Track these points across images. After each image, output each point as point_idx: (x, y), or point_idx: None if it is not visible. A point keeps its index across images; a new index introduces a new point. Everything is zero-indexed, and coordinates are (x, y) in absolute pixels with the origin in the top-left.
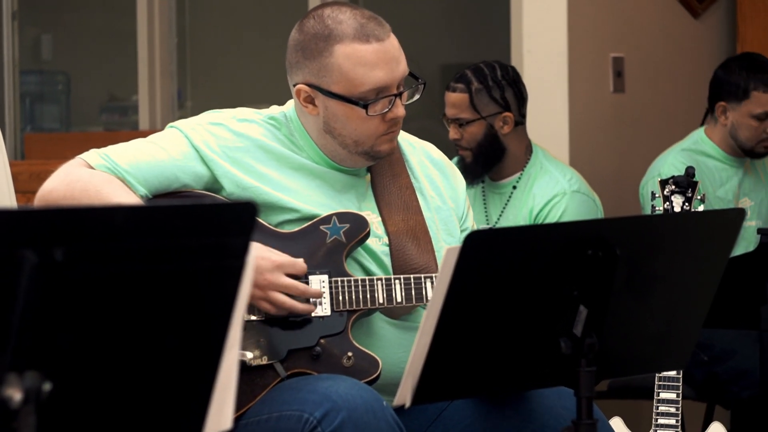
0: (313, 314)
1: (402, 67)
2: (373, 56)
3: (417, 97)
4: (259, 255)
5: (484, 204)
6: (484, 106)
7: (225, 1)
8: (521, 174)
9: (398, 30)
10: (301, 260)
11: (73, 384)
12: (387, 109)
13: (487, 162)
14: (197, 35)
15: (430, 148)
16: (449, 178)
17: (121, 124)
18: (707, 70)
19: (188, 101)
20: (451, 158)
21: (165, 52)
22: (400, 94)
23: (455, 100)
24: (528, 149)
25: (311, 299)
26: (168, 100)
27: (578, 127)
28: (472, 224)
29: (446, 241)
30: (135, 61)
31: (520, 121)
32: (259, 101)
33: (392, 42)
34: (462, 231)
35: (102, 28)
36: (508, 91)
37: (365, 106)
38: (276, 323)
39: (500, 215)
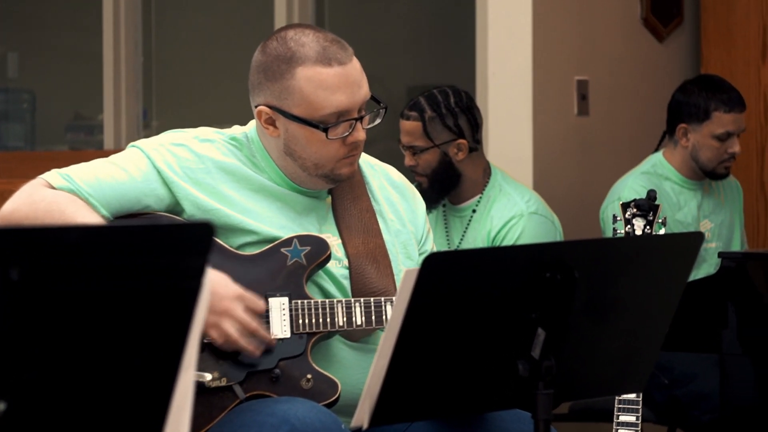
0: (273, 336)
1: (364, 91)
2: (335, 80)
3: (378, 121)
4: (223, 282)
5: (446, 228)
6: (438, 134)
7: (191, 21)
8: (480, 197)
9: (365, 52)
10: (262, 302)
11: (27, 404)
12: (347, 133)
13: (443, 188)
14: (163, 55)
15: (391, 170)
16: (409, 201)
17: (87, 143)
18: (672, 94)
19: (154, 121)
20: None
21: (131, 71)
22: (361, 118)
23: (409, 128)
24: (486, 172)
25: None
26: (133, 120)
27: (542, 150)
28: (431, 247)
29: (405, 264)
30: (101, 80)
31: (475, 147)
32: (224, 121)
33: (354, 65)
34: (421, 254)
35: (68, 47)
36: (462, 118)
37: (326, 130)
38: None
39: (461, 239)
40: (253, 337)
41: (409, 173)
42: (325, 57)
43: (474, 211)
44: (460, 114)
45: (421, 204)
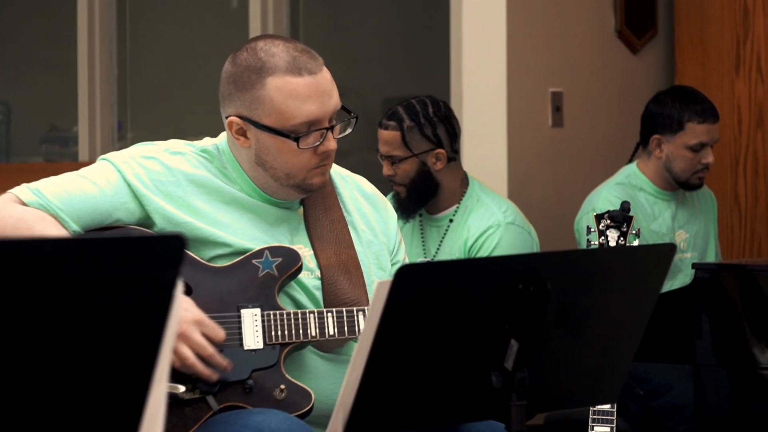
0: (245, 347)
1: (334, 101)
2: (305, 89)
3: (349, 130)
4: (184, 305)
5: (422, 237)
6: (416, 143)
7: (166, 33)
8: (458, 207)
9: (340, 64)
10: (221, 330)
11: None
12: (318, 143)
13: (421, 198)
14: (138, 67)
15: (362, 181)
16: (381, 212)
17: (62, 154)
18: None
19: (129, 132)
20: (386, 193)
21: (105, 83)
22: (332, 128)
23: (387, 137)
24: (464, 182)
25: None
26: (108, 132)
27: (517, 162)
28: (403, 258)
29: (377, 275)
30: (75, 91)
31: (453, 156)
32: (200, 133)
33: (325, 75)
34: (393, 264)
35: (43, 59)
36: (440, 127)
37: (296, 140)
38: None
39: (438, 248)
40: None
41: (387, 183)
42: (296, 67)
43: (451, 221)
44: (439, 123)
45: (392, 214)
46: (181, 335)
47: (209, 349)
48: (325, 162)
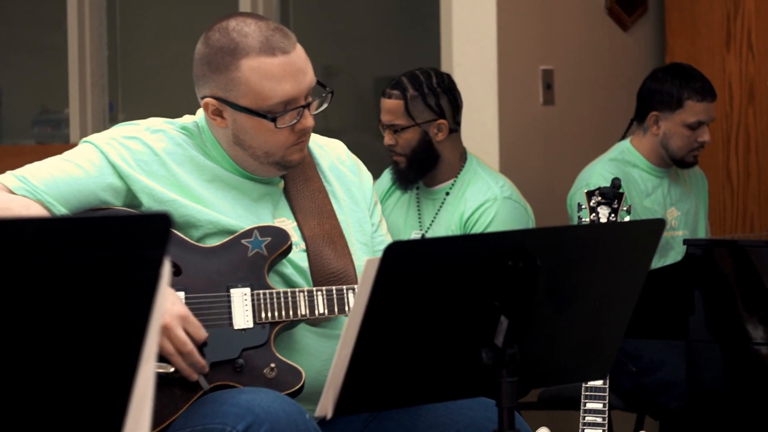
0: (235, 327)
1: (309, 78)
2: (280, 69)
3: (326, 105)
4: (171, 299)
5: (418, 209)
6: (419, 113)
7: (156, 15)
8: (455, 180)
9: (331, 44)
10: (204, 331)
11: None
12: (296, 120)
13: (421, 168)
14: (128, 48)
15: (339, 147)
16: (357, 176)
17: (54, 137)
18: (636, 83)
19: (120, 114)
20: (385, 166)
21: (96, 65)
22: (308, 105)
23: (390, 106)
24: (462, 156)
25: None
26: (99, 113)
27: (508, 140)
28: (380, 219)
29: (359, 239)
30: (66, 73)
31: (455, 128)
32: (190, 113)
33: (299, 53)
34: (374, 237)
35: (33, 41)
36: (443, 98)
37: (274, 119)
38: None
39: (433, 221)
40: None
41: (382, 160)
42: (269, 47)
43: (447, 194)
44: (442, 94)
45: (367, 176)
46: (164, 328)
47: (189, 346)
48: (303, 139)
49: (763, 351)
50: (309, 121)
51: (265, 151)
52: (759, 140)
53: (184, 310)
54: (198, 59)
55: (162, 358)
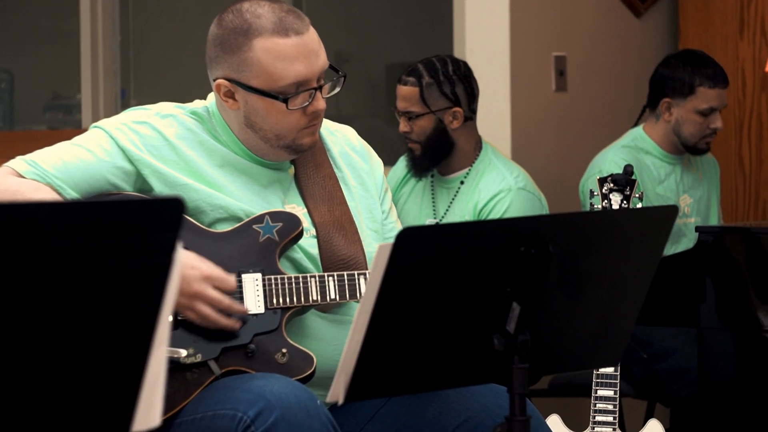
0: (248, 312)
1: (322, 60)
2: (293, 50)
3: (338, 89)
4: (189, 264)
5: (433, 198)
6: (434, 100)
7: (169, 1)
8: (470, 169)
9: (344, 30)
10: (232, 278)
11: None
12: (307, 103)
13: (436, 156)
14: (141, 34)
15: (350, 133)
16: (368, 162)
17: (65, 122)
18: (649, 69)
19: (132, 100)
20: (396, 153)
21: (108, 50)
22: (320, 87)
23: (406, 93)
24: (478, 145)
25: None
26: (111, 99)
27: (521, 126)
28: (390, 207)
29: (369, 226)
30: (78, 59)
31: (470, 116)
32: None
33: (311, 35)
34: (384, 225)
35: (45, 27)
36: (459, 86)
37: (285, 101)
38: None
39: (447, 209)
40: (228, 314)
41: (395, 147)
42: (282, 27)
43: (462, 182)
44: (458, 82)
45: (378, 163)
46: (195, 294)
47: (226, 301)
48: (315, 122)
49: None
50: (321, 103)
51: (276, 134)
52: None
53: (206, 269)
54: (211, 40)
55: (177, 339)
